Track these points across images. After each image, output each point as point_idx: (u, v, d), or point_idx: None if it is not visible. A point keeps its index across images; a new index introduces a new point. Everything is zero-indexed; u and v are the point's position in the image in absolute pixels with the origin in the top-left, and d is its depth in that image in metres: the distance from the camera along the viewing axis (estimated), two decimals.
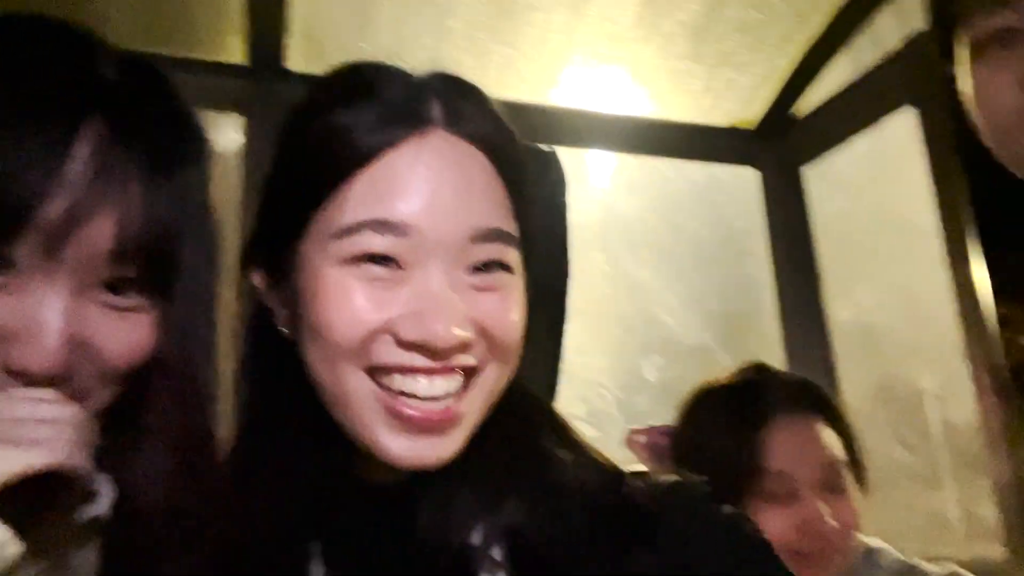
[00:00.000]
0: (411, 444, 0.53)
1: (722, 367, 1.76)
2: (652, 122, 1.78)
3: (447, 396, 0.54)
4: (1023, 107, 0.59)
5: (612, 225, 1.82)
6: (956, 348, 1.37)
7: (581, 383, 1.67)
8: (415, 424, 0.53)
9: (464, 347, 0.53)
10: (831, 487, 0.98)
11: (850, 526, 0.98)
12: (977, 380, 1.33)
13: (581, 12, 1.51)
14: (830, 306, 1.68)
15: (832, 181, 1.71)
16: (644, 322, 1.80)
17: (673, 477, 0.63)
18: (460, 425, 0.55)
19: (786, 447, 0.98)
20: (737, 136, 1.82)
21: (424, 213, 0.53)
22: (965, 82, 0.65)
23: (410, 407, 0.53)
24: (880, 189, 1.59)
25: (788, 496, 0.96)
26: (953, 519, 1.42)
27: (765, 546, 0.58)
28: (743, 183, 1.81)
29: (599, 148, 1.79)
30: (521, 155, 0.61)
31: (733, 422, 1.01)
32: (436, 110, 0.56)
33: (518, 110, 0.63)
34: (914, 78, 1.44)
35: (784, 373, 1.12)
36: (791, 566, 0.87)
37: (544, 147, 0.87)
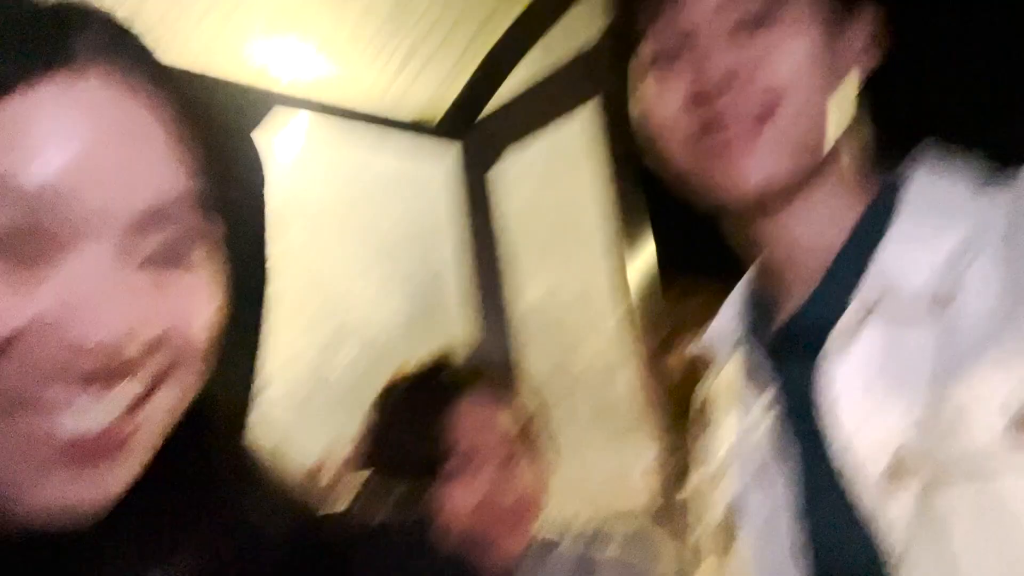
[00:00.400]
0: (63, 480, 0.39)
1: (412, 360, 1.73)
2: (341, 110, 1.69)
3: (110, 417, 0.40)
4: (681, 121, 0.61)
5: (296, 211, 1.67)
6: (624, 327, 1.49)
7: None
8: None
9: (140, 356, 0.40)
10: (512, 462, 1.00)
11: (533, 499, 1.01)
12: (638, 356, 1.46)
13: None
14: (515, 295, 1.73)
15: (517, 176, 1.77)
16: (328, 315, 1.68)
17: (384, 516, 0.58)
18: (130, 451, 0.41)
19: (467, 426, 1.00)
20: (426, 129, 1.80)
21: (72, 176, 0.38)
22: (634, 93, 0.68)
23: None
24: (560, 181, 1.68)
25: (471, 473, 0.98)
26: (625, 477, 1.54)
27: None
28: (433, 176, 1.79)
29: (284, 130, 1.64)
30: (212, 117, 0.48)
31: (416, 408, 1.03)
32: (95, 41, 0.40)
33: (193, 80, 0.49)
34: (591, 80, 1.55)
35: (465, 360, 1.13)
36: (479, 546, 0.90)
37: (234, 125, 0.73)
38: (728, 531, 0.67)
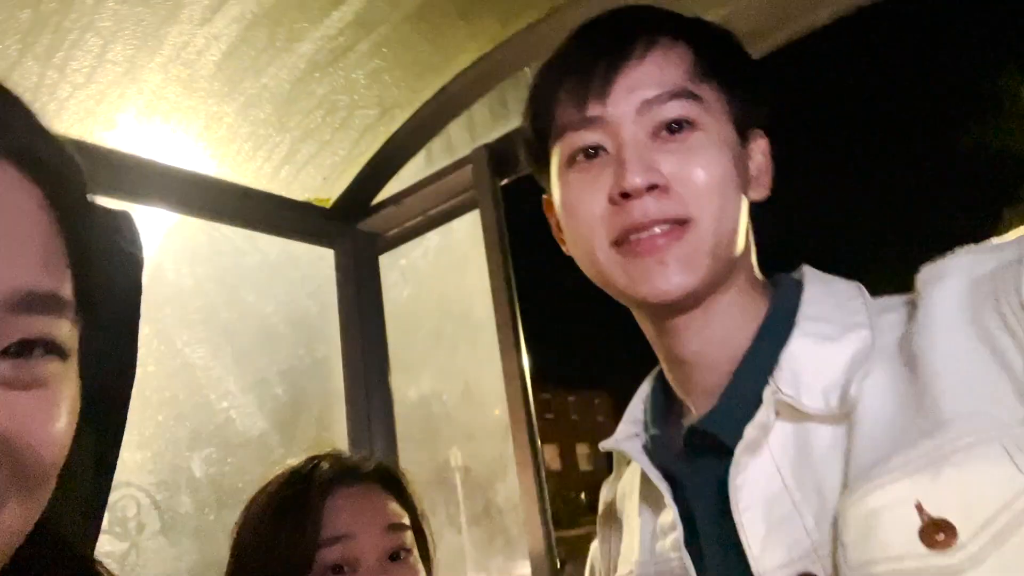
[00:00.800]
0: None
1: (283, 459, 1.65)
2: (223, 184, 1.63)
3: None
4: (604, 220, 0.64)
5: (163, 295, 1.58)
6: (503, 429, 1.49)
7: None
8: None
9: None
10: (395, 555, 0.92)
11: None
12: (519, 459, 1.46)
13: (151, 48, 1.31)
14: (396, 389, 1.70)
15: (404, 269, 1.78)
16: (195, 408, 1.57)
17: None
18: None
19: (347, 513, 0.91)
20: (315, 213, 1.77)
21: None
22: (555, 189, 0.69)
23: None
24: (447, 281, 1.70)
25: (349, 568, 0.89)
26: None
27: None
28: (318, 262, 1.76)
29: (156, 205, 1.55)
30: (85, 194, 0.44)
31: (290, 504, 0.92)
32: None
33: (65, 145, 0.44)
34: (477, 184, 1.59)
35: (345, 453, 1.05)
36: None
37: (111, 205, 0.67)
38: None
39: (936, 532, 0.47)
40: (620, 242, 0.63)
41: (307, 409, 1.73)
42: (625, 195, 0.61)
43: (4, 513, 0.37)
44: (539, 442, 1.47)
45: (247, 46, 1.36)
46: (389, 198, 1.77)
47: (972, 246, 0.57)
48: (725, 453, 0.59)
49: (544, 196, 0.74)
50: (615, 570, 0.75)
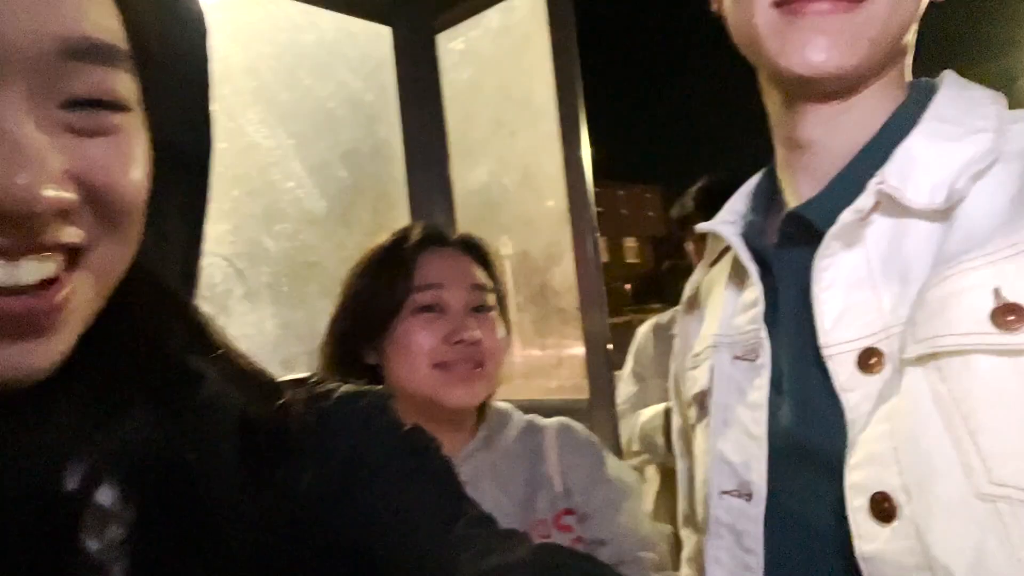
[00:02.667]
0: None
1: (350, 236, 1.73)
2: None
3: (41, 283, 0.37)
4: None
5: (229, 75, 1.58)
6: (563, 217, 1.53)
7: None
8: None
9: (62, 214, 0.37)
10: (478, 308, 1.04)
11: (495, 346, 1.04)
12: (576, 248, 1.51)
13: None
14: (456, 174, 1.73)
15: (463, 50, 1.72)
16: (265, 186, 1.64)
17: (346, 387, 0.54)
18: (63, 323, 0.38)
19: (436, 267, 1.03)
20: None
21: None
22: None
23: None
24: (507, 64, 1.64)
25: (438, 309, 1.01)
26: (549, 368, 1.64)
27: (443, 468, 0.54)
28: (375, 40, 1.71)
29: None
30: None
31: (389, 257, 1.04)
32: None
33: None
34: None
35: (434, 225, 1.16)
36: (442, 381, 0.95)
37: None
38: (701, 406, 0.71)
39: (1007, 314, 0.48)
40: (783, 2, 0.58)
41: (369, 191, 1.77)
42: None
43: (98, 251, 0.40)
44: (597, 230, 1.51)
45: None
46: None
47: None
48: (818, 241, 0.59)
49: None
50: (691, 348, 0.78)
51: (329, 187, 1.69)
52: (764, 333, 0.64)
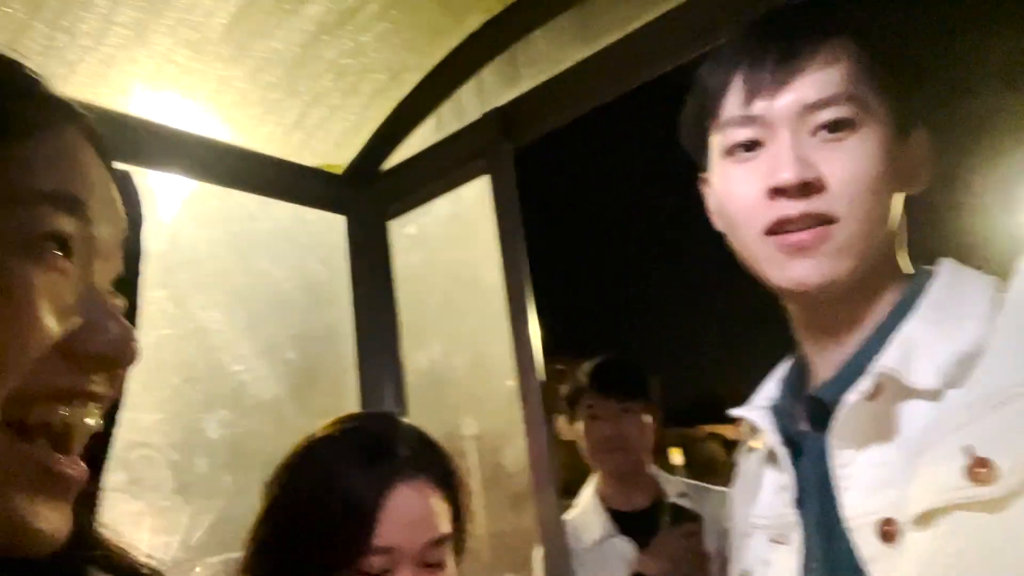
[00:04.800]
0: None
1: (295, 422, 1.67)
2: (236, 150, 1.63)
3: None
4: (758, 211, 0.68)
5: (179, 260, 1.59)
6: (512, 397, 1.50)
7: (124, 444, 1.38)
8: None
9: None
10: (429, 563, 0.87)
11: None
12: (528, 427, 1.47)
13: (158, 10, 1.30)
14: (406, 356, 1.71)
15: (414, 235, 1.77)
16: (210, 371, 1.60)
17: None
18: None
19: (400, 522, 0.86)
20: (326, 179, 1.77)
21: None
22: (713, 174, 0.75)
23: None
24: (457, 247, 1.69)
25: (387, 573, 0.85)
26: (502, 551, 1.53)
27: None
28: (329, 228, 1.76)
29: (170, 171, 1.55)
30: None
31: (349, 499, 0.85)
32: None
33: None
34: (488, 149, 1.57)
35: (404, 424, 0.98)
36: None
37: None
38: None
39: (979, 467, 0.54)
40: (772, 232, 0.68)
41: (318, 374, 1.74)
42: (779, 190, 0.66)
43: None
44: (544, 409, 1.47)
45: (254, 8, 1.34)
46: (399, 164, 1.76)
47: None
48: (828, 423, 0.65)
49: (701, 174, 0.78)
50: (739, 525, 0.83)
51: (278, 370, 1.66)
52: (795, 518, 0.69)
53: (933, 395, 0.61)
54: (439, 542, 0.89)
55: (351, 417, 1.01)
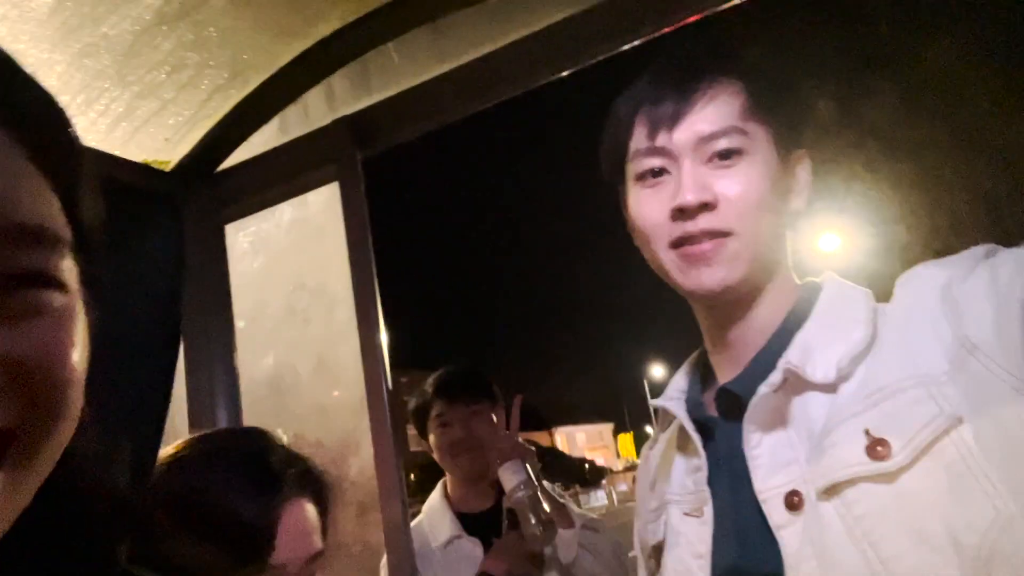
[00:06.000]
0: None
1: None
2: None
3: None
4: (663, 229, 0.80)
5: None
6: (358, 406, 1.50)
7: None
8: None
9: None
10: None
11: None
12: (375, 435, 1.48)
13: None
14: (243, 364, 1.64)
15: (254, 240, 1.71)
16: None
17: None
18: None
19: (291, 540, 0.86)
20: (153, 175, 1.65)
21: None
22: (629, 197, 0.85)
23: None
24: (301, 253, 1.65)
25: None
26: (347, 561, 1.52)
27: None
28: (161, 227, 1.64)
29: None
30: (73, 142, 0.46)
31: (247, 512, 0.84)
32: None
33: None
34: (337, 156, 1.56)
35: (282, 444, 0.97)
36: None
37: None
38: (658, 556, 0.85)
39: (877, 446, 0.65)
40: (677, 245, 0.79)
41: None
42: (681, 210, 0.77)
43: (24, 440, 0.37)
44: (390, 417, 1.49)
45: None
46: (238, 165, 1.69)
47: (931, 261, 0.76)
48: (744, 410, 0.76)
49: (619, 189, 0.88)
50: (648, 518, 0.91)
51: None
52: (707, 493, 0.79)
53: (830, 388, 0.73)
54: (317, 556, 0.92)
55: (223, 436, 0.99)
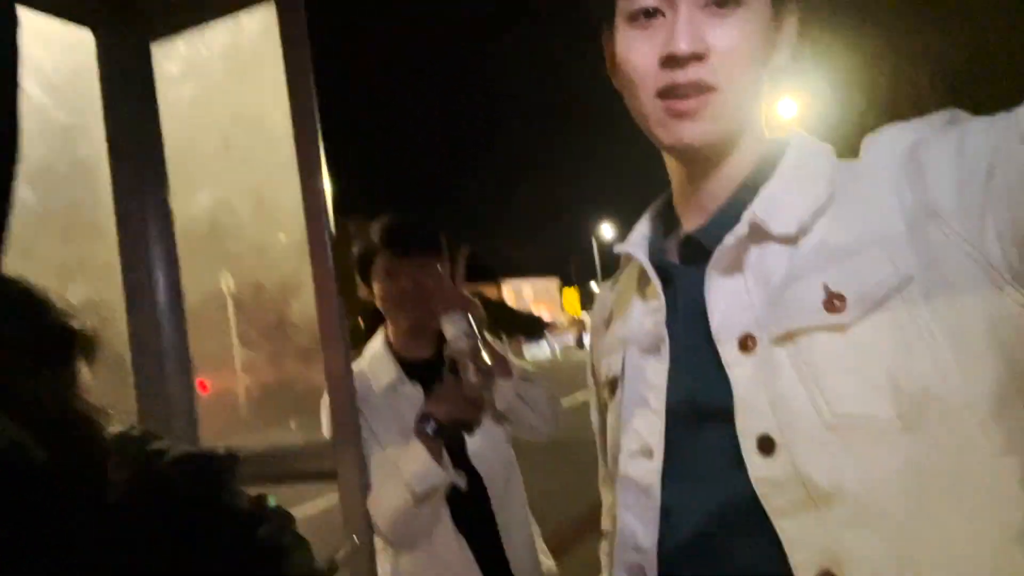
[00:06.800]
0: None
1: (29, 273, 1.47)
2: None
3: None
4: (650, 77, 0.78)
5: None
6: (300, 250, 1.45)
7: None
8: None
9: None
10: None
11: None
12: (317, 283, 1.45)
13: None
14: (177, 202, 1.56)
15: (184, 65, 1.56)
16: None
17: (181, 449, 0.48)
18: None
19: None
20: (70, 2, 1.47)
21: None
22: (618, 36, 0.82)
23: None
24: (237, 83, 1.52)
25: None
26: (287, 408, 1.54)
27: (266, 551, 0.49)
28: (76, 46, 1.49)
29: None
30: None
31: None
32: None
33: None
34: None
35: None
36: None
37: None
38: (613, 389, 0.90)
39: (834, 300, 0.69)
40: (663, 96, 0.77)
41: (61, 218, 1.53)
42: (673, 58, 0.75)
43: None
44: (334, 264, 1.45)
45: None
46: None
47: (900, 123, 0.76)
48: (707, 257, 0.79)
49: (605, 31, 0.86)
50: (604, 353, 0.95)
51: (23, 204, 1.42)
52: (665, 333, 0.82)
53: (790, 240, 0.76)
54: None
55: None
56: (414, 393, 1.60)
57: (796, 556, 0.67)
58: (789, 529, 0.67)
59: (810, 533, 0.67)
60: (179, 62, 1.57)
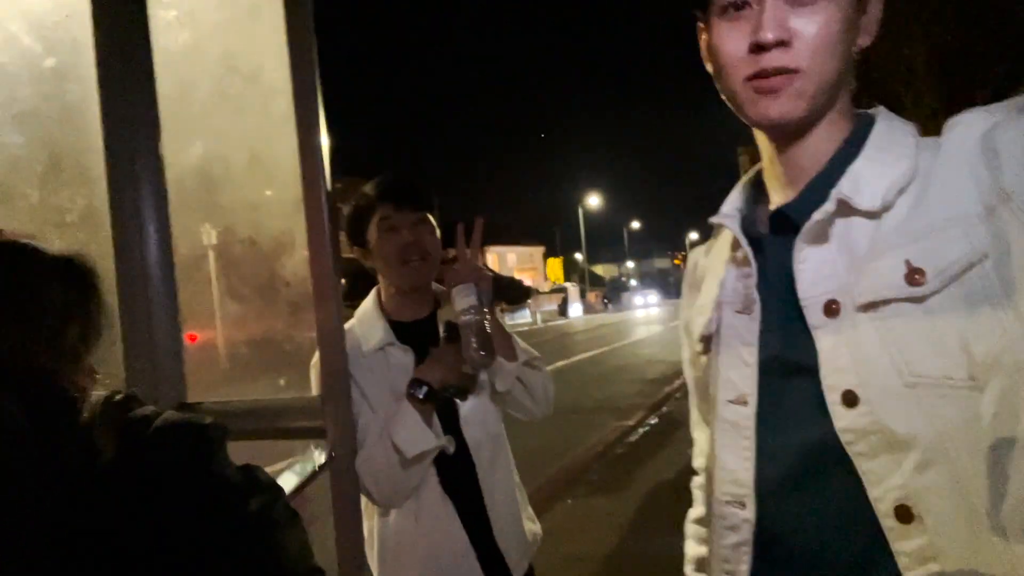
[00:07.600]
0: None
1: (12, 216, 1.44)
2: None
3: None
4: (740, 63, 0.86)
5: None
6: (295, 205, 1.44)
7: None
8: None
9: None
10: None
11: None
12: (311, 239, 1.43)
13: None
14: (170, 151, 1.53)
15: (179, 13, 1.52)
16: None
17: (167, 416, 0.49)
18: None
19: None
20: None
21: None
22: (712, 28, 0.90)
23: None
24: (233, 32, 1.49)
25: None
26: (278, 363, 1.54)
27: (257, 524, 0.49)
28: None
29: None
30: None
31: None
32: None
33: None
34: None
35: None
36: None
37: None
38: (707, 344, 1.00)
39: (914, 275, 0.77)
40: (751, 79, 0.86)
41: (47, 160, 1.50)
42: (759, 46, 0.83)
43: None
44: (329, 220, 1.44)
45: None
46: None
47: (979, 107, 0.82)
48: (796, 230, 0.87)
49: (700, 24, 0.94)
50: (698, 313, 1.04)
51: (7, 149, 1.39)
52: (757, 295, 0.92)
53: (874, 215, 0.84)
54: None
55: None
56: (403, 356, 1.60)
57: (874, 491, 0.78)
58: (869, 469, 0.78)
59: (887, 473, 0.77)
60: (175, 8, 1.53)
